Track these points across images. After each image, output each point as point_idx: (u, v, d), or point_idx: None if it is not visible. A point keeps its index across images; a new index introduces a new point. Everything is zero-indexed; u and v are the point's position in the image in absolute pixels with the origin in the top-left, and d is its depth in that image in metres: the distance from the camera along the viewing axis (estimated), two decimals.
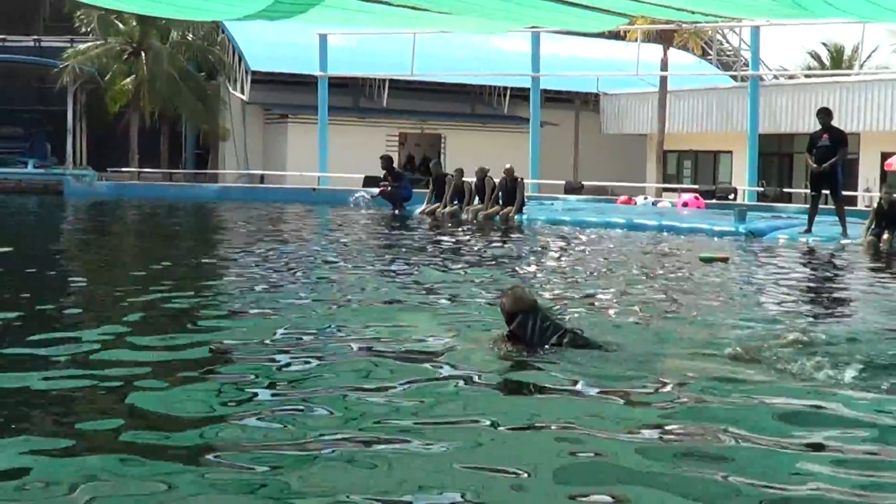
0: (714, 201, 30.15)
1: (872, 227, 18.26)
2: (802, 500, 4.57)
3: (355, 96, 43.17)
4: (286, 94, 41.81)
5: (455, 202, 25.56)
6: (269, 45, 40.20)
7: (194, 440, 5.25)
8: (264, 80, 41.39)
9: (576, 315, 9.48)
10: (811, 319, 9.81)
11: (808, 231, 19.54)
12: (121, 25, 41.12)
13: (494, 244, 18.28)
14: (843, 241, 18.64)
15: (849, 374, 6.75)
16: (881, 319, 9.88)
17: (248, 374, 6.77)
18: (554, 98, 42.58)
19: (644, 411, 6.02)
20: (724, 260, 15.46)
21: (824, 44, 53.81)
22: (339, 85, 39.84)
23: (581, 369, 6.90)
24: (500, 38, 41.01)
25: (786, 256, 16.92)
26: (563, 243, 18.93)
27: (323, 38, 35.65)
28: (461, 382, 6.62)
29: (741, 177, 34.70)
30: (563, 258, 16.26)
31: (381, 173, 28.69)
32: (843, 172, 20.06)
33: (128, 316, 9.13)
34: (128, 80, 40.77)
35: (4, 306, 9.59)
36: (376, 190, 28.72)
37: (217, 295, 11.18)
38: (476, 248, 17.41)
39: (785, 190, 35.30)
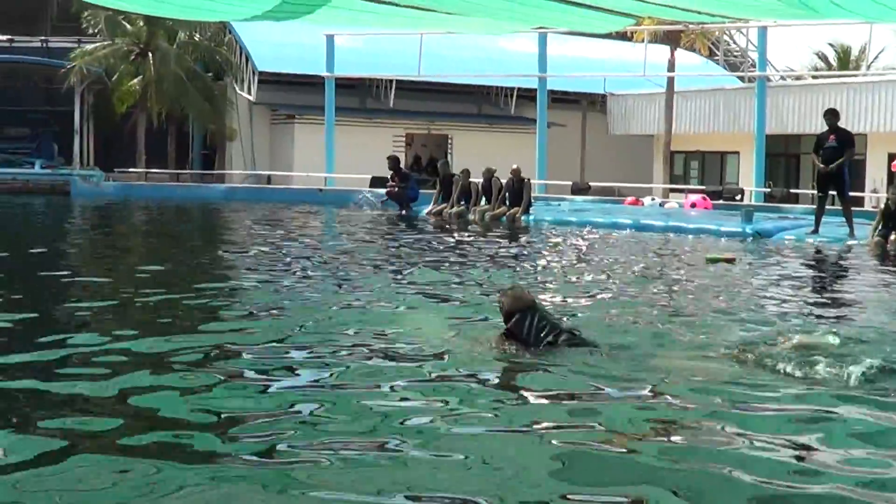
0: (721, 202, 30.12)
1: (879, 227, 18.24)
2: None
3: (362, 97, 43.18)
4: (293, 94, 41.83)
5: (462, 203, 25.59)
6: (276, 46, 40.22)
7: (201, 440, 5.28)
8: (271, 81, 41.41)
9: (579, 315, 9.53)
10: (817, 321, 9.80)
11: (815, 232, 19.53)
12: (128, 26, 41.12)
13: (501, 245, 18.29)
14: (850, 242, 18.63)
15: (855, 375, 6.74)
16: (888, 320, 9.87)
17: (251, 375, 6.81)
18: (561, 99, 42.53)
19: (636, 411, 6.03)
20: (731, 261, 15.46)
21: (831, 44, 53.83)
22: (346, 85, 39.82)
23: (574, 368, 6.96)
24: (507, 39, 40.96)
25: (793, 257, 16.90)
26: (569, 244, 18.93)
27: (330, 39, 35.66)
28: (459, 382, 6.65)
29: (748, 177, 34.67)
30: (568, 259, 16.25)
31: (387, 174, 28.73)
32: (850, 173, 20.03)
33: (135, 316, 9.19)
34: (135, 80, 40.78)
35: (14, 307, 9.63)
36: (383, 191, 28.75)
37: (224, 296, 11.17)
38: (482, 249, 17.40)
39: (792, 191, 35.23)
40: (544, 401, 6.28)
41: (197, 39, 42.87)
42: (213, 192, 35.03)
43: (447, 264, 14.55)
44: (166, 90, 40.38)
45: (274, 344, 7.88)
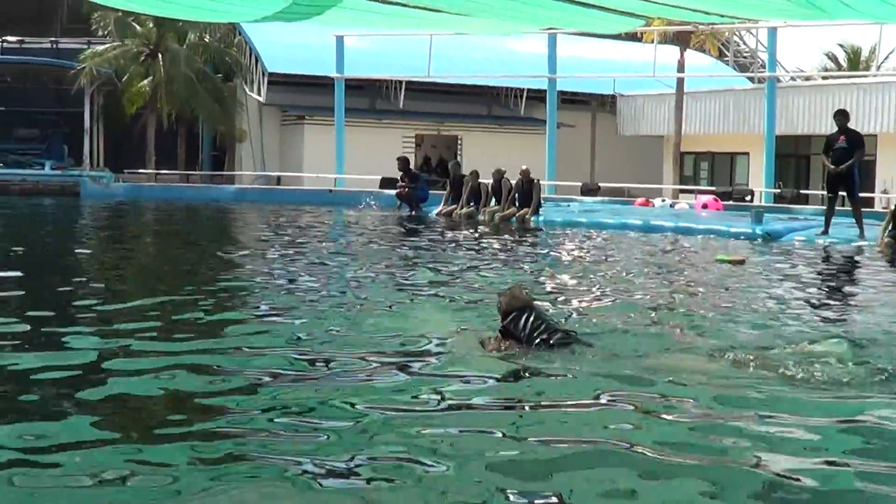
0: (731, 203, 30.09)
1: (889, 228, 18.19)
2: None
3: (372, 98, 43.19)
4: (303, 95, 41.84)
5: (471, 203, 25.59)
6: (285, 47, 40.22)
7: (204, 438, 5.30)
8: (281, 82, 41.42)
9: (584, 316, 9.57)
10: (826, 322, 9.80)
11: (825, 233, 19.50)
12: (138, 27, 41.17)
13: (510, 245, 18.31)
14: (860, 243, 18.60)
15: (864, 377, 6.73)
16: None
17: (251, 374, 6.88)
18: (570, 99, 42.52)
19: (625, 411, 6.06)
20: (740, 262, 15.45)
21: (841, 45, 53.71)
22: (356, 86, 39.82)
23: (564, 367, 7.03)
24: (517, 40, 40.92)
25: (802, 258, 16.87)
26: (578, 245, 18.94)
27: (339, 40, 35.66)
28: (453, 379, 6.76)
29: (758, 178, 34.62)
30: (577, 260, 16.25)
31: (397, 175, 28.76)
32: (859, 174, 20.02)
33: (145, 317, 9.18)
34: (145, 81, 40.83)
35: (31, 306, 9.67)
36: (393, 192, 28.78)
37: (233, 297, 11.22)
38: (491, 250, 17.42)
39: (801, 191, 35.19)
40: (530, 399, 6.36)
41: (207, 41, 42.90)
42: (223, 193, 35.02)
43: (456, 265, 14.55)
44: (176, 91, 40.41)
45: (275, 344, 7.98)
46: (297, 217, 25.73)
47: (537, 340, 7.37)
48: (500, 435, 5.50)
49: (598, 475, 4.84)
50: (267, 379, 6.75)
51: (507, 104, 45.12)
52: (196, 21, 34.78)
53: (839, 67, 52.41)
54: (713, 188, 35.15)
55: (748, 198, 33.14)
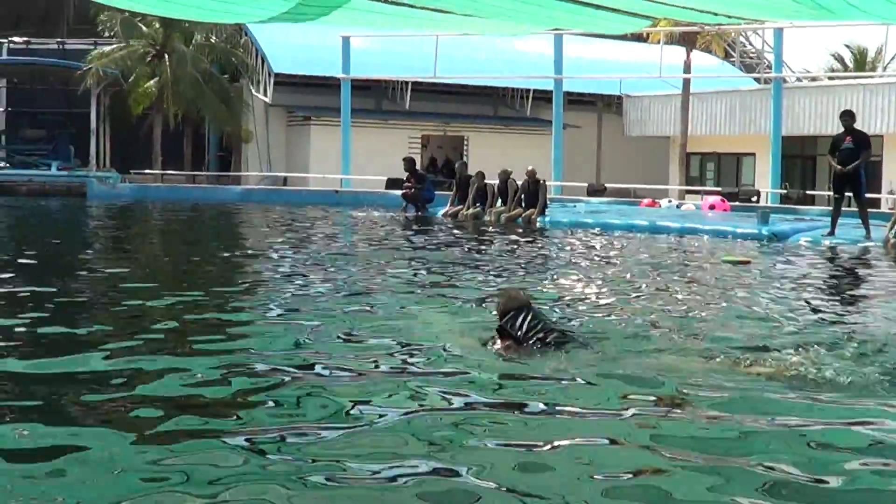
0: (737, 203, 30.08)
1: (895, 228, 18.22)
2: None
3: (378, 98, 43.21)
4: (309, 96, 41.87)
5: (478, 204, 25.60)
6: (292, 48, 40.25)
7: (210, 437, 5.32)
8: (287, 83, 41.44)
9: (582, 315, 9.60)
10: (832, 323, 9.80)
11: (832, 233, 19.49)
12: (144, 28, 41.22)
13: (516, 246, 18.30)
14: (867, 244, 18.59)
15: (867, 378, 6.72)
16: None
17: (256, 374, 6.91)
18: (577, 100, 42.53)
19: (620, 410, 6.06)
20: (746, 262, 15.45)
21: (847, 46, 53.56)
22: (362, 87, 39.86)
23: (557, 366, 7.05)
24: (523, 41, 40.91)
25: (809, 259, 16.86)
26: (583, 246, 18.94)
27: (346, 41, 35.69)
28: (453, 381, 6.75)
29: (764, 179, 34.60)
30: (581, 260, 16.24)
31: (403, 175, 28.76)
32: (866, 175, 20.01)
33: (155, 317, 9.21)
34: (151, 82, 40.89)
35: (34, 309, 9.69)
36: (399, 192, 28.78)
37: (238, 298, 11.25)
38: (497, 251, 17.43)
39: (808, 192, 35.19)
40: (523, 398, 6.37)
41: (213, 41, 42.96)
42: (230, 193, 35.03)
43: (460, 265, 14.57)
44: (182, 92, 40.46)
45: (275, 346, 8.03)
46: (303, 218, 25.73)
47: (533, 340, 7.42)
48: (497, 435, 5.52)
49: (595, 475, 4.85)
50: (267, 379, 6.77)
51: (513, 105, 45.14)
52: (202, 22, 34.83)
53: (845, 68, 52.30)
54: (719, 189, 35.14)
55: (754, 198, 33.14)
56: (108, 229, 23.95)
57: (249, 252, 17.09)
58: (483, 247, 18.05)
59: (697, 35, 37.49)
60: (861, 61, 51.41)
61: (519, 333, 7.47)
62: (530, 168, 25.06)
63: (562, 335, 7.61)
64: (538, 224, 23.63)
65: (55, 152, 40.32)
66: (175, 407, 5.97)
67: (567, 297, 11.18)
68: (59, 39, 47.14)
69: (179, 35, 41.41)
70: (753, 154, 38.86)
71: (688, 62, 37.02)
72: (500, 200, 25.45)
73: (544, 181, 25.43)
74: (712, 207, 28.25)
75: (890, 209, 25.87)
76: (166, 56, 41.08)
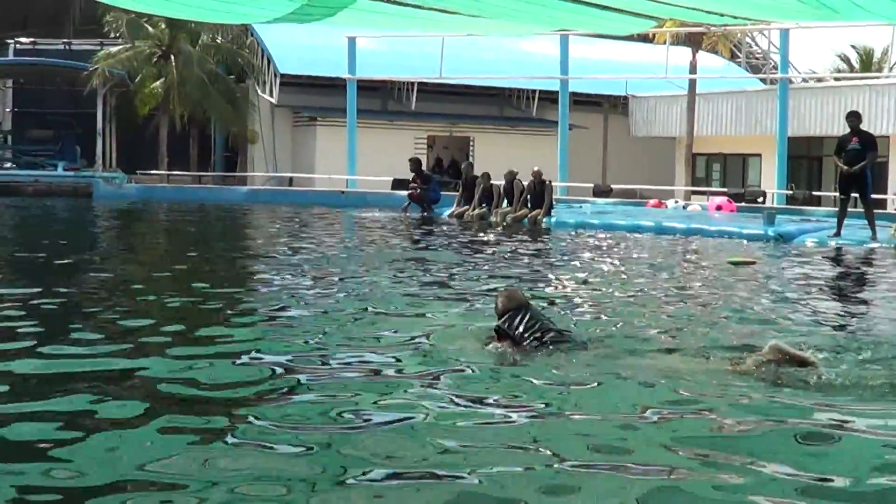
0: (743, 204, 30.07)
1: None
2: None
3: (384, 99, 43.21)
4: (315, 96, 41.87)
5: (483, 205, 25.61)
6: (297, 48, 40.25)
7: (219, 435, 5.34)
8: (293, 83, 41.44)
9: (583, 315, 9.62)
10: (837, 324, 9.79)
11: (837, 234, 19.48)
12: (150, 29, 41.23)
13: (522, 247, 18.31)
14: (873, 245, 18.58)
15: (873, 379, 6.71)
16: None
17: (257, 374, 6.96)
18: (582, 101, 42.45)
19: (605, 410, 6.08)
20: (751, 263, 15.44)
21: (853, 46, 53.51)
22: (368, 88, 39.84)
23: (552, 366, 7.08)
24: (529, 41, 40.89)
25: (814, 260, 16.84)
26: (589, 246, 18.94)
27: (352, 41, 35.68)
28: (450, 381, 6.77)
29: (770, 180, 34.54)
30: (588, 261, 16.24)
31: (409, 176, 28.76)
32: (872, 176, 20.00)
33: (164, 318, 9.23)
34: (157, 83, 40.91)
35: (40, 310, 9.71)
36: (404, 193, 28.78)
37: (243, 297, 11.29)
38: (502, 251, 17.42)
39: (814, 193, 35.14)
40: (512, 395, 6.39)
41: (219, 42, 42.97)
42: (236, 194, 35.03)
43: (465, 266, 14.58)
44: (188, 92, 40.48)
45: (276, 348, 8.04)
46: (308, 218, 25.75)
47: (529, 340, 7.46)
48: (496, 435, 5.51)
49: (592, 474, 4.85)
50: (268, 379, 6.81)
51: (519, 105, 45.12)
52: (208, 22, 34.85)
53: (851, 69, 52.25)
54: (725, 189, 35.12)
55: (760, 199, 33.10)
56: (113, 229, 23.97)
57: (254, 252, 17.12)
58: (488, 247, 18.04)
59: (703, 36, 37.49)
60: (867, 62, 51.37)
61: (516, 333, 7.51)
62: (536, 169, 25.07)
63: (559, 335, 7.65)
64: (544, 225, 23.64)
65: (61, 153, 40.34)
66: (174, 403, 6.01)
67: (568, 298, 11.20)
68: (65, 40, 47.18)
69: (185, 36, 41.42)
70: (759, 155, 38.80)
71: (694, 63, 36.98)
72: (505, 201, 25.46)
73: (550, 182, 25.45)
74: (719, 208, 28.25)
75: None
76: (172, 57, 41.09)
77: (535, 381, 6.70)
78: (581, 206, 28.99)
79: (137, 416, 5.71)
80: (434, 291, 11.57)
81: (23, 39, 46.32)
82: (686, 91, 37.91)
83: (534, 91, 43.50)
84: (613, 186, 37.09)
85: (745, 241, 19.94)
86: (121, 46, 41.72)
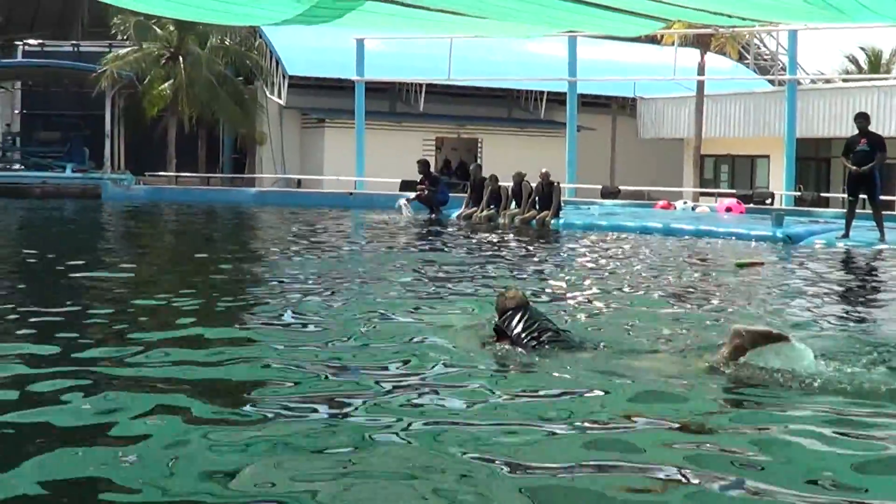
0: (751, 206, 30.05)
1: None
2: None
3: (392, 101, 43.24)
4: (323, 98, 41.90)
5: (492, 206, 25.62)
6: (306, 50, 40.31)
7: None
8: (301, 85, 41.49)
9: (583, 316, 9.64)
10: (844, 326, 9.77)
11: (846, 236, 19.46)
12: (158, 31, 41.27)
13: (530, 248, 18.32)
14: (881, 246, 18.56)
15: (882, 381, 6.70)
16: None
17: (258, 375, 7.01)
18: (591, 102, 42.49)
19: (599, 409, 6.13)
20: (759, 265, 15.43)
21: (862, 48, 53.40)
22: (376, 89, 39.88)
23: (549, 365, 7.14)
24: (537, 43, 40.88)
25: (823, 261, 16.82)
26: (597, 248, 18.93)
27: (360, 43, 35.71)
28: (449, 381, 6.81)
29: (778, 181, 34.50)
30: (595, 262, 16.26)
31: (418, 177, 28.77)
32: (881, 177, 19.97)
33: (172, 320, 9.25)
34: (166, 84, 40.95)
35: (49, 312, 9.74)
36: (412, 194, 28.77)
37: (251, 298, 11.29)
38: (510, 252, 17.43)
39: (822, 194, 35.10)
40: (510, 395, 6.44)
41: (227, 44, 42.98)
42: (244, 195, 35.02)
43: (472, 267, 14.58)
44: (197, 94, 40.52)
45: (283, 346, 8.09)
46: (316, 220, 25.76)
47: (527, 339, 7.50)
48: (493, 436, 5.53)
49: (590, 475, 4.87)
50: (272, 379, 6.86)
51: (527, 107, 45.13)
52: (216, 24, 34.88)
53: (860, 70, 52.15)
54: (734, 191, 35.11)
55: (769, 201, 33.07)
56: (121, 231, 23.99)
57: (262, 254, 17.12)
58: (496, 249, 18.04)
59: (711, 37, 37.47)
60: (875, 63, 51.28)
61: (514, 333, 7.56)
62: (544, 170, 25.07)
63: (556, 335, 7.67)
64: (552, 226, 23.64)
65: (70, 154, 40.40)
66: (181, 403, 6.02)
67: (573, 299, 11.20)
68: (73, 42, 47.30)
69: (194, 37, 41.45)
70: (768, 156, 38.79)
71: (702, 64, 36.98)
72: (514, 203, 25.47)
73: (558, 183, 25.45)
74: (729, 210, 28.24)
75: None
76: (181, 58, 41.13)
77: (531, 381, 6.75)
78: (589, 208, 28.99)
79: (143, 414, 5.74)
80: (438, 291, 11.63)
81: (31, 41, 46.44)
82: (694, 92, 37.91)
83: (542, 92, 43.55)
84: (622, 188, 37.08)
85: (752, 242, 19.93)
86: (129, 48, 41.79)
